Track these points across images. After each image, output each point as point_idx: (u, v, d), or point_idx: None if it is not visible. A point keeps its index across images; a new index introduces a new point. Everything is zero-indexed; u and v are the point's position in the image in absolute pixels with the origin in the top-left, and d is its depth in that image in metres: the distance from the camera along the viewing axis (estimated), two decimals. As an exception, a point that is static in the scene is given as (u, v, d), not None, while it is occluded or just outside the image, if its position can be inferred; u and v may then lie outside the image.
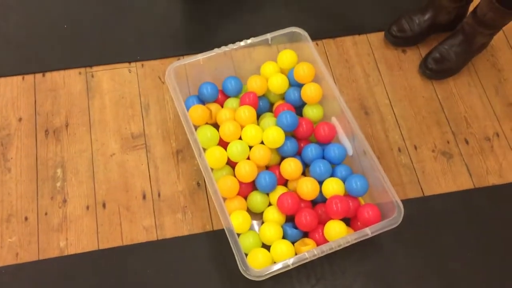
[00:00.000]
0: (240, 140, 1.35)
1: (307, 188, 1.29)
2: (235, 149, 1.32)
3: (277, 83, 1.44)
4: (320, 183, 1.32)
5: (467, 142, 1.52)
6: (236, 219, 1.25)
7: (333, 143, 1.39)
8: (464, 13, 1.64)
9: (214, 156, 1.31)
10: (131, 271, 1.30)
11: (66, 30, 1.63)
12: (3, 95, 1.51)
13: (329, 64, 1.62)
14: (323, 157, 1.38)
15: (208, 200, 1.39)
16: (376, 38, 1.68)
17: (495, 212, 1.42)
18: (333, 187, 1.29)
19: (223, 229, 1.27)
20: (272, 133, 1.33)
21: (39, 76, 1.55)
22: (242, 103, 1.42)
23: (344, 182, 1.32)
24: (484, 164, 1.49)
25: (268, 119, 1.41)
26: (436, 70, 1.58)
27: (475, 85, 1.62)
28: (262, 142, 1.36)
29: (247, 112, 1.37)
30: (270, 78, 1.45)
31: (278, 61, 1.49)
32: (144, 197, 1.39)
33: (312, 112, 1.43)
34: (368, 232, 1.19)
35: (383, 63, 1.64)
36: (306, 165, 1.39)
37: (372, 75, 1.62)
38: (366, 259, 1.34)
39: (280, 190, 1.33)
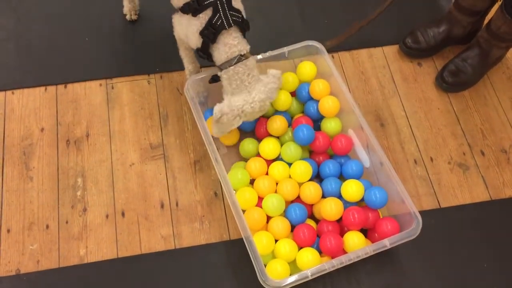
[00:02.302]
0: (275, 194, 1.33)
1: (331, 208, 1.29)
2: (271, 205, 1.30)
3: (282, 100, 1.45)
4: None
5: (483, 154, 1.53)
6: (260, 242, 1.24)
7: (351, 160, 1.40)
8: (479, 27, 1.64)
9: (244, 197, 1.31)
10: (149, 279, 1.31)
11: (87, 43, 1.67)
12: (26, 105, 1.55)
13: (345, 77, 1.64)
14: (341, 174, 1.39)
15: (225, 210, 1.41)
16: (391, 50, 1.70)
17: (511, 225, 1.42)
18: (352, 188, 1.30)
19: (240, 239, 1.29)
20: (300, 167, 1.35)
21: (61, 87, 1.59)
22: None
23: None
24: (500, 176, 1.49)
25: (286, 134, 1.43)
26: (452, 83, 1.59)
27: (490, 97, 1.63)
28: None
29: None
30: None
31: (298, 73, 1.51)
32: (162, 206, 1.41)
33: (330, 126, 1.44)
34: (387, 243, 1.20)
35: (399, 76, 1.65)
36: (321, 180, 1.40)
37: (388, 88, 1.63)
38: (382, 269, 1.34)
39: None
